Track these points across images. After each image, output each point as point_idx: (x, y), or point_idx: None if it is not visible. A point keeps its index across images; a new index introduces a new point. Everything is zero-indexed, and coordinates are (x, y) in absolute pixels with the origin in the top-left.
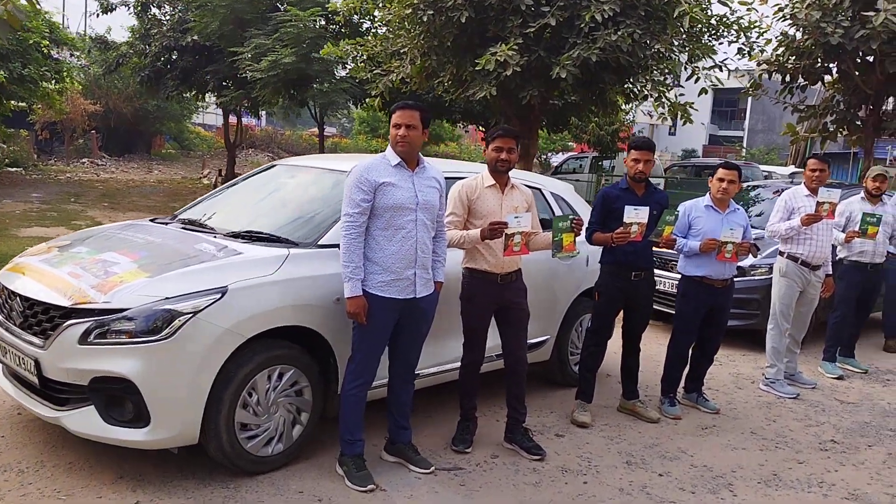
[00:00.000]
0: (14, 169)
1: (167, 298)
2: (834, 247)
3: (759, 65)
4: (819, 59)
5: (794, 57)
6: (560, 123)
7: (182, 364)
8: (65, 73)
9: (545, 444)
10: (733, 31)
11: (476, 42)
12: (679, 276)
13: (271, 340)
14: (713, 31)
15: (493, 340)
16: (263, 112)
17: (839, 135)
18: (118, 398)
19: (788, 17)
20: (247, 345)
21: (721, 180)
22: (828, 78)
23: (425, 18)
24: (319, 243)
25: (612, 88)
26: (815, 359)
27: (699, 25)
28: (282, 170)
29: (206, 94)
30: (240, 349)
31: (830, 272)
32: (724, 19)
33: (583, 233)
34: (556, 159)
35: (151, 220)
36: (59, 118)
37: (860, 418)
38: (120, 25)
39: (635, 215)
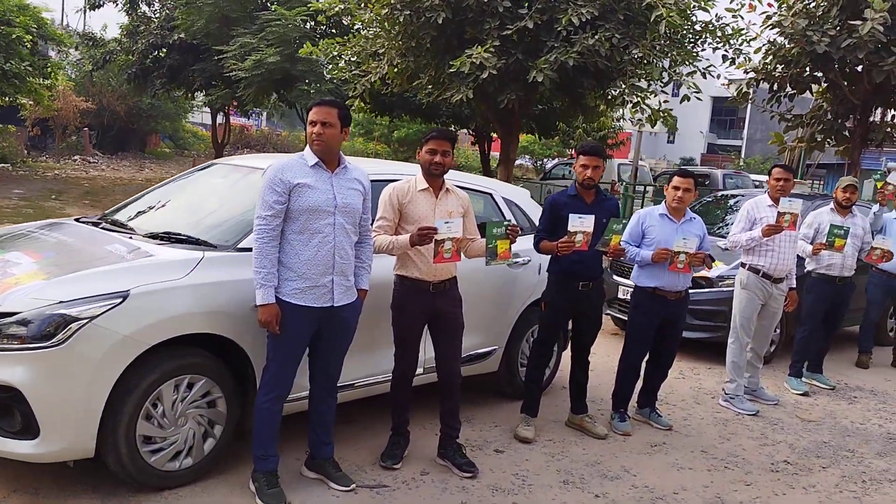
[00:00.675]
0: (1, 165)
1: (61, 302)
2: (802, 259)
3: (746, 73)
4: (807, 68)
5: (781, 65)
6: (548, 129)
7: (75, 372)
8: (49, 70)
9: (482, 460)
10: (717, 38)
11: (454, 44)
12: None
13: (180, 348)
14: (696, 38)
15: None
16: (263, 113)
17: (826, 145)
18: (6, 407)
19: (775, 25)
20: (151, 353)
21: (676, 188)
22: (816, 87)
23: (402, 19)
24: (238, 246)
25: (590, 93)
26: (784, 374)
27: (680, 31)
28: (217, 169)
29: (195, 93)
30: (142, 357)
31: (794, 285)
32: (709, 25)
33: (525, 241)
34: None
35: (76, 219)
36: (50, 115)
37: (819, 437)
38: (116, 23)
39: (580, 224)
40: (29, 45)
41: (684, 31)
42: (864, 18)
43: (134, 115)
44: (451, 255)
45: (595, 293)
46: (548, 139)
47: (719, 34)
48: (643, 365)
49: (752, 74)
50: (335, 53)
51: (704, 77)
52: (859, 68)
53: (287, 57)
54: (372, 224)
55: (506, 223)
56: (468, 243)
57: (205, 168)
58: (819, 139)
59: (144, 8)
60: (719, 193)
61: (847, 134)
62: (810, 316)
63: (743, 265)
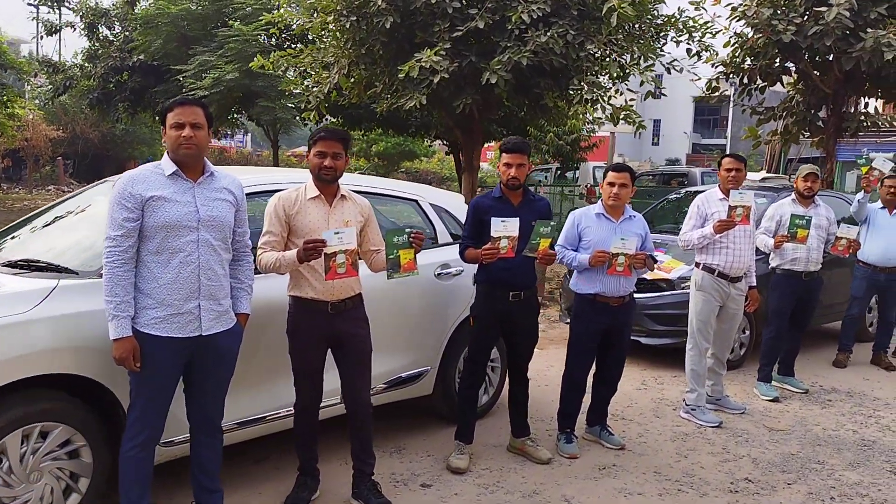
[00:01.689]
0: None
1: None
2: (767, 255)
3: (714, 66)
4: (776, 59)
5: (749, 58)
6: (517, 134)
7: None
8: (5, 98)
9: (405, 497)
10: (679, 32)
11: (406, 49)
12: None
13: (29, 392)
14: (658, 32)
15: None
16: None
17: (801, 136)
18: None
19: (741, 16)
20: None
21: (611, 185)
22: (787, 79)
23: (348, 25)
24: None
25: (548, 93)
26: (754, 379)
27: (636, 24)
28: (103, 188)
29: (158, 117)
30: None
31: (754, 283)
32: (671, 19)
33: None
34: None
35: None
36: (14, 145)
37: (786, 449)
38: (79, 48)
39: (503, 228)
40: None
41: (644, 26)
42: (829, 4)
43: (108, 141)
44: (346, 269)
45: (528, 304)
46: None
47: (681, 27)
48: (590, 379)
49: (720, 68)
50: (285, 66)
51: (669, 72)
52: (829, 56)
53: (246, 73)
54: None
55: (408, 230)
56: (372, 255)
57: (93, 186)
58: (793, 131)
59: (105, 31)
60: (683, 191)
61: (821, 125)
62: (776, 315)
63: (697, 265)
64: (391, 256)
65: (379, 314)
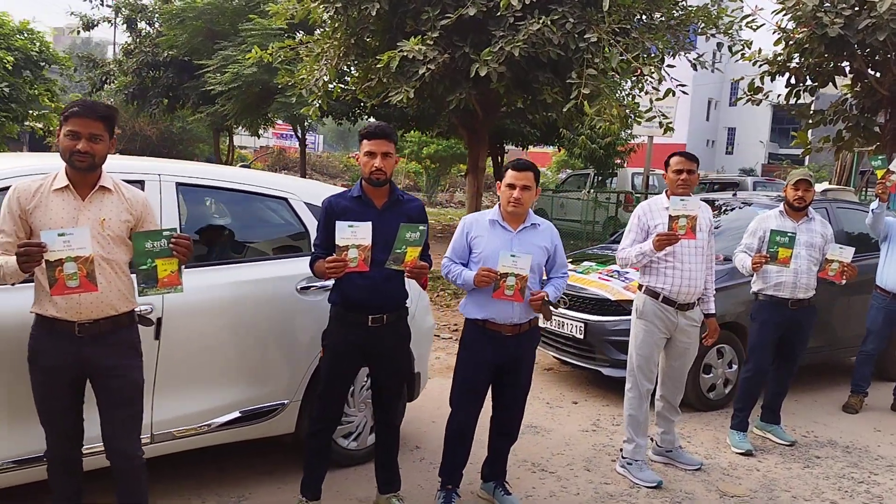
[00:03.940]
0: None
1: None
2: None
3: (756, 65)
4: (825, 57)
5: (797, 55)
6: (551, 135)
7: None
8: (42, 95)
9: None
10: (702, 22)
11: (400, 39)
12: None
13: None
14: (679, 23)
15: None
16: (321, 135)
17: (856, 144)
18: None
19: (783, 7)
20: None
21: (511, 186)
22: (842, 79)
23: (332, 11)
24: None
25: (546, 88)
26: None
27: (645, 14)
28: None
29: (196, 112)
30: None
31: (712, 311)
32: (695, 11)
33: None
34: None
35: None
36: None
37: None
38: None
39: (351, 235)
40: (10, 67)
41: (661, 15)
42: None
43: (166, 139)
44: (79, 282)
45: (393, 330)
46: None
47: (707, 20)
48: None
49: (765, 67)
50: (282, 57)
51: (695, 69)
52: (887, 54)
53: (265, 68)
54: None
55: (166, 233)
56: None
57: None
58: (846, 138)
59: (145, 26)
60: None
61: (878, 131)
62: (756, 350)
63: (640, 287)
64: (144, 267)
65: (215, 333)
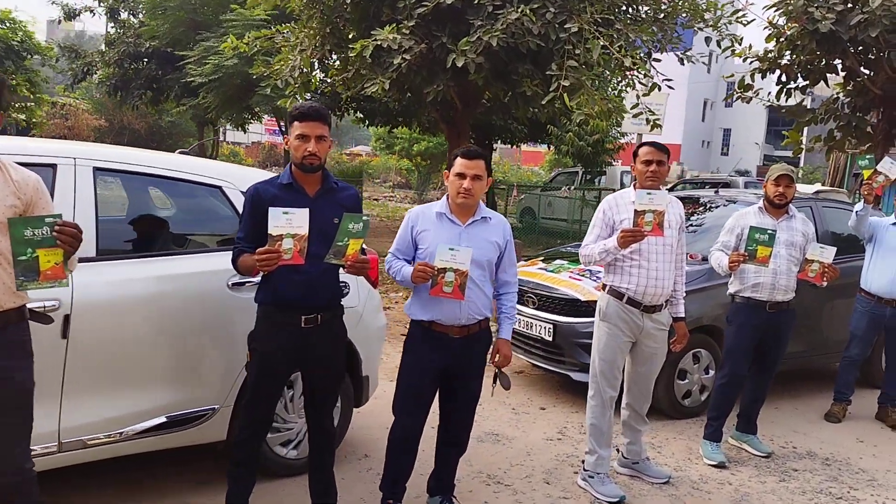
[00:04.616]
0: None
1: None
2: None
3: (746, 61)
4: (816, 54)
5: (788, 51)
6: (539, 132)
7: None
8: (21, 85)
9: None
10: (688, 14)
11: (375, 28)
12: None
13: None
14: (666, 16)
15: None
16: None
17: (848, 144)
18: None
19: (775, 3)
20: None
21: (460, 176)
22: (834, 77)
23: None
24: None
25: (526, 80)
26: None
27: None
28: None
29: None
30: None
31: (681, 314)
32: (682, 3)
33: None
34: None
35: None
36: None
37: None
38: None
39: (286, 223)
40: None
41: (647, 7)
42: None
43: (155, 133)
44: None
45: (328, 330)
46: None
47: (693, 13)
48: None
49: (755, 64)
50: (258, 47)
51: (682, 63)
52: (880, 52)
53: (246, 59)
54: None
55: (49, 220)
56: None
57: None
58: (838, 138)
59: (128, 15)
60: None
61: (870, 130)
62: (732, 355)
63: (604, 287)
64: (23, 258)
65: (134, 332)
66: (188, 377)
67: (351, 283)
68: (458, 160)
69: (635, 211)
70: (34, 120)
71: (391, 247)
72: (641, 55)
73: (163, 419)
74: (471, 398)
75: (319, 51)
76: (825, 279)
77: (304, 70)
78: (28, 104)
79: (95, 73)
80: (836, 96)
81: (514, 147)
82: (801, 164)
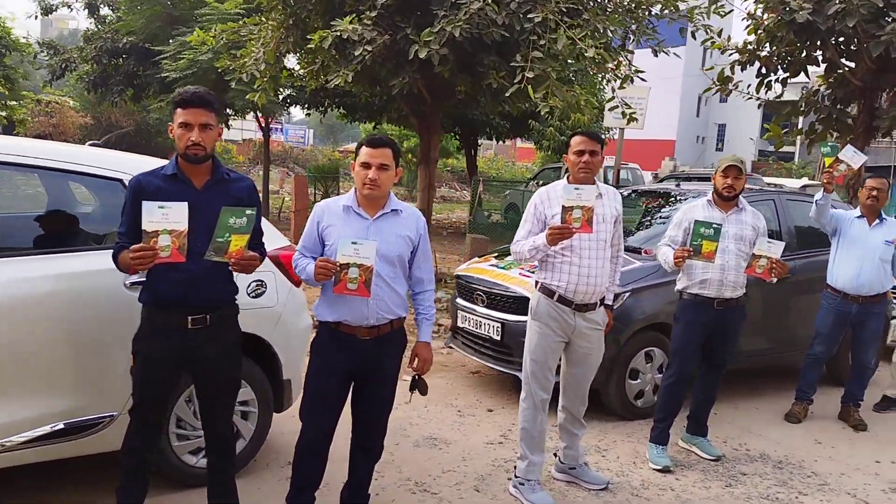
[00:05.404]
0: None
1: None
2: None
3: (724, 53)
4: (796, 45)
5: (768, 43)
6: (520, 125)
7: None
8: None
9: None
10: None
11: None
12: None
13: None
14: (637, 5)
15: None
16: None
17: (829, 136)
18: None
19: None
20: None
21: (365, 166)
22: (819, 70)
23: None
24: None
25: (493, 72)
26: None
27: None
28: None
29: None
30: None
31: (609, 302)
32: None
33: None
34: None
35: None
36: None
37: None
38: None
39: (161, 217)
40: None
41: None
42: None
43: (142, 130)
44: None
45: (218, 332)
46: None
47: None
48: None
49: (735, 56)
50: (225, 40)
51: (656, 55)
52: (860, 42)
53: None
54: None
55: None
56: None
57: None
58: (819, 130)
59: (108, 11)
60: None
61: (851, 122)
62: (679, 354)
63: (536, 284)
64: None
65: (21, 333)
66: (83, 382)
67: (269, 281)
68: (363, 149)
69: (563, 207)
70: (15, 117)
71: (299, 242)
72: (614, 46)
73: (56, 427)
74: (382, 403)
75: (283, 44)
76: (774, 275)
77: (270, 63)
78: (7, 102)
79: (74, 70)
80: (816, 88)
81: (498, 142)
82: (796, 159)
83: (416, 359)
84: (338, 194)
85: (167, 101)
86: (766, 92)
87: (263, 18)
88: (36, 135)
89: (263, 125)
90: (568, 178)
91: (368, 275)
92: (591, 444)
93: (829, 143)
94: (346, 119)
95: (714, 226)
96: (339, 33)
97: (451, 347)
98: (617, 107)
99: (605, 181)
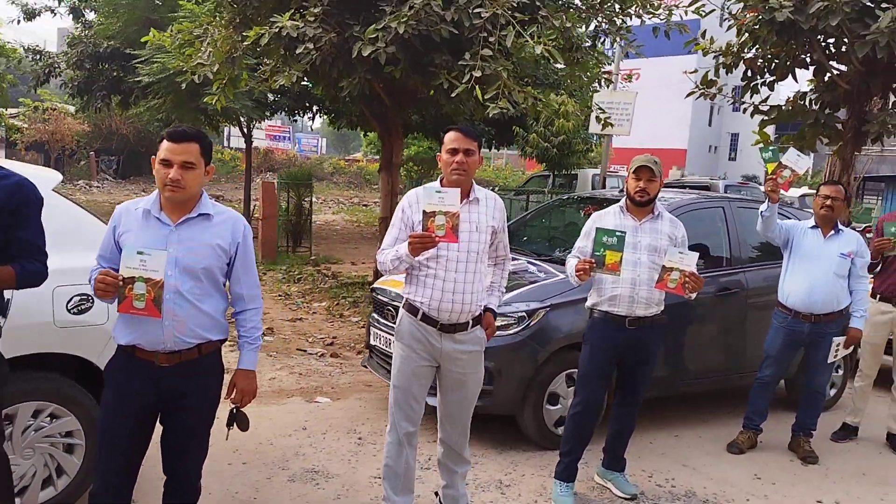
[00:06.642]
0: None
1: None
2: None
3: (706, 54)
4: (781, 47)
5: (752, 44)
6: (506, 132)
7: None
8: None
9: None
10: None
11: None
12: None
13: None
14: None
15: None
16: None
17: (819, 142)
18: None
19: None
20: None
21: (166, 163)
22: (808, 73)
23: None
24: None
25: (443, 72)
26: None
27: None
28: None
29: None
30: None
31: (492, 305)
32: None
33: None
34: None
35: None
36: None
37: None
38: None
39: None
40: None
41: None
42: None
43: (143, 138)
44: None
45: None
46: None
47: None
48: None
49: (720, 58)
50: (181, 40)
51: (627, 56)
52: (847, 42)
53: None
54: None
55: (619, 234)
56: None
57: None
58: (808, 136)
59: (92, 15)
60: (568, 195)
61: (840, 127)
62: (585, 379)
63: (403, 300)
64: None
65: None
66: None
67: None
68: (164, 143)
69: (423, 212)
70: (4, 124)
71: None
72: (584, 46)
73: None
74: (190, 437)
75: (232, 43)
76: (688, 290)
77: (222, 63)
78: None
79: (59, 75)
80: (803, 92)
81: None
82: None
83: (234, 390)
84: (311, 202)
85: (147, 106)
86: (752, 96)
87: (216, 17)
88: (33, 142)
89: (246, 132)
90: (441, 179)
91: (158, 291)
92: (493, 478)
93: (770, 148)
94: (334, 125)
95: (617, 234)
96: (277, 30)
97: (365, 367)
98: (591, 112)
99: (594, 188)
